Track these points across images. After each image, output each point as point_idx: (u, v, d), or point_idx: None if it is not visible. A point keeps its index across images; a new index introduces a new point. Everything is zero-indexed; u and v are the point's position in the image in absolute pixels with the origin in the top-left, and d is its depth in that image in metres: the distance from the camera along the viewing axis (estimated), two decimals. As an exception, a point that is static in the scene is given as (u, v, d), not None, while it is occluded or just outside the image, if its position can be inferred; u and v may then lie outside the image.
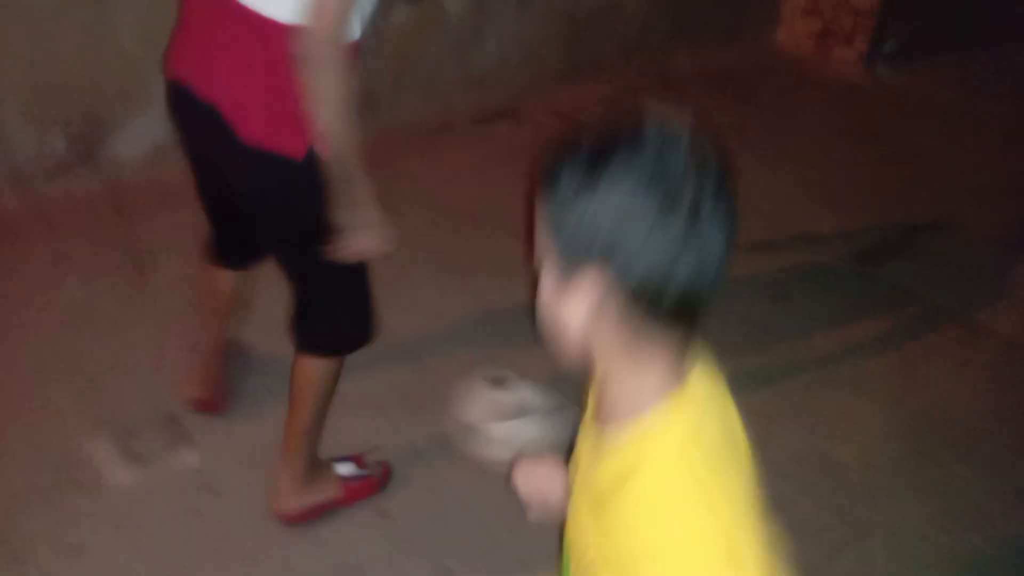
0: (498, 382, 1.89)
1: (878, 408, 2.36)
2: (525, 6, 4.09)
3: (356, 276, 1.72)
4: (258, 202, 1.61)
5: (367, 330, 1.81)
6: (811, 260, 3.06)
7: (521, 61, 4.19)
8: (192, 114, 1.57)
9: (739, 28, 5.16)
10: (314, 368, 1.77)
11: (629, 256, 0.73)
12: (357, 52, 1.46)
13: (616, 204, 0.72)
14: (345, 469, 1.97)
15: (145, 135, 3.20)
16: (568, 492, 0.98)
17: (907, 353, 2.59)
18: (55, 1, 2.81)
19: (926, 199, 3.55)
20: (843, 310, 2.78)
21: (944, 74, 4.88)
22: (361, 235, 1.55)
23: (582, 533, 0.90)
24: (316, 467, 1.91)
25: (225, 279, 2.00)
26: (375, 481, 2.00)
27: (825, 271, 3.00)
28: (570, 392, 1.70)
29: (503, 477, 1.24)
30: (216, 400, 2.17)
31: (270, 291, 2.00)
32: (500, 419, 1.80)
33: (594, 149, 0.75)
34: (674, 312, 0.77)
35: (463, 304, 2.67)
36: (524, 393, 1.85)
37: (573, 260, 0.77)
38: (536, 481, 1.13)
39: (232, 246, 1.95)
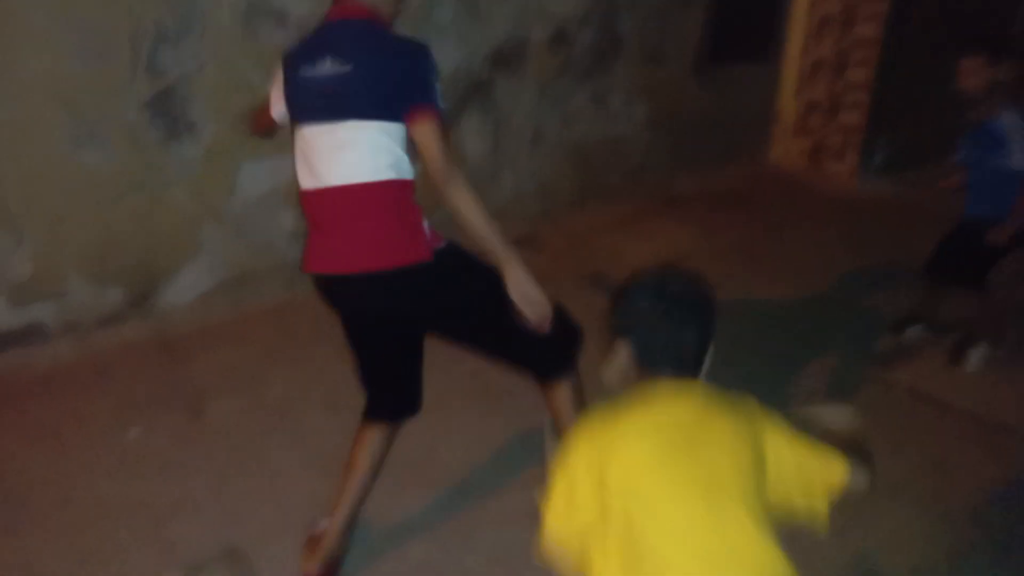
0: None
1: (913, 510, 2.42)
2: (537, 143, 4.41)
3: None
4: (432, 308, 1.97)
5: (575, 335, 2.14)
6: (829, 368, 3.18)
7: (536, 192, 4.48)
8: (342, 293, 1.97)
9: (735, 150, 5.49)
10: (565, 389, 2.11)
11: (633, 338, 1.46)
12: (411, 188, 1.92)
13: (624, 316, 1.49)
14: None
15: (194, 282, 3.42)
16: None
17: (933, 455, 2.67)
18: (115, 166, 3.09)
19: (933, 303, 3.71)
20: (866, 415, 2.87)
21: (931, 182, 5.14)
22: (527, 306, 1.90)
23: None
24: None
25: (378, 442, 2.15)
26: None
27: (844, 378, 3.12)
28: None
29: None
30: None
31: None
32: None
33: (621, 289, 1.52)
34: (656, 361, 1.46)
35: (503, 427, 2.79)
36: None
37: (614, 336, 1.49)
38: None
39: (393, 397, 2.19)
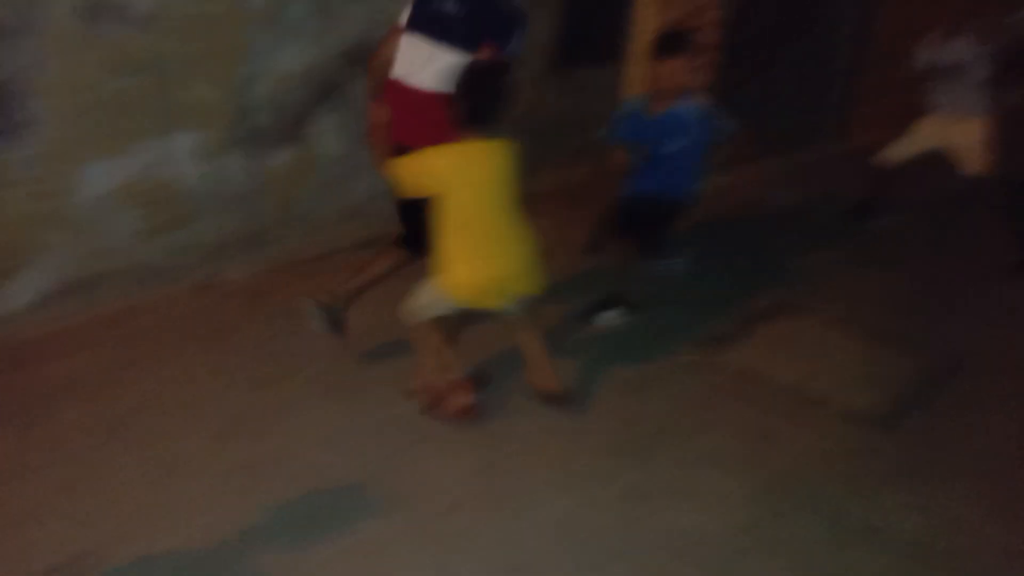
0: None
1: (737, 478, 2.68)
2: (394, 143, 4.47)
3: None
4: None
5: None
6: (666, 353, 3.44)
7: (390, 192, 4.52)
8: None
9: (588, 148, 5.74)
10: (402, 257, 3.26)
11: (463, 106, 2.60)
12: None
13: (459, 90, 2.61)
14: None
15: (35, 285, 3.29)
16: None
17: (756, 427, 2.96)
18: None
19: (761, 286, 4.11)
20: (697, 395, 3.15)
21: (754, 175, 5.88)
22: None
23: None
24: None
25: (398, 260, 3.17)
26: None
27: (678, 362, 3.38)
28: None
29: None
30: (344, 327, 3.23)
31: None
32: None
33: (462, 75, 2.63)
34: (476, 121, 2.59)
35: (353, 423, 2.86)
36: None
37: (454, 102, 2.65)
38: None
39: (423, 242, 2.93)
